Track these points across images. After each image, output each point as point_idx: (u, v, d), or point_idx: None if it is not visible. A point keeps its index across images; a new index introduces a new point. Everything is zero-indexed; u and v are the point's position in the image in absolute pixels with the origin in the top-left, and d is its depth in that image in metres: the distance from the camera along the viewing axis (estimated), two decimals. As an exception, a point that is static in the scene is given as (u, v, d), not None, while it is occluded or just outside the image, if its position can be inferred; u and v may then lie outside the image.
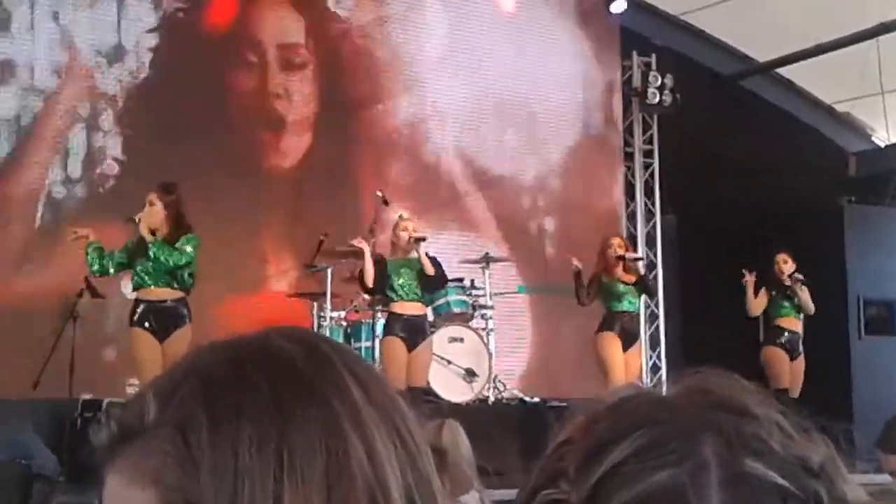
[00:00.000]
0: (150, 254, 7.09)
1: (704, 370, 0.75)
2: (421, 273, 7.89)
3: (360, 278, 7.93)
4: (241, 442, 0.75)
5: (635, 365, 8.82)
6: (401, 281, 7.86)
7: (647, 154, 12.81)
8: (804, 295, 9.21)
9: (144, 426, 0.77)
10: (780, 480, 0.68)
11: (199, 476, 0.74)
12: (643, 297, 9.53)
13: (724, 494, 0.67)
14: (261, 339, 0.83)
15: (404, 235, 7.89)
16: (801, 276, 9.21)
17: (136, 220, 7.16)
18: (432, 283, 8.06)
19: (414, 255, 7.91)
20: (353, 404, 0.79)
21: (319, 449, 0.76)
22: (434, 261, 7.99)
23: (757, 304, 9.24)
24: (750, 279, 9.21)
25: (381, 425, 0.80)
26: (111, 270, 7.29)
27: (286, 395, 0.78)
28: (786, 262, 9.24)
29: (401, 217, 8.11)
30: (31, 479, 1.60)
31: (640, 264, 8.96)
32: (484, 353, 9.08)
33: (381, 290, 7.95)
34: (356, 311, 9.11)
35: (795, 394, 8.91)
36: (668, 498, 0.67)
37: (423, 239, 8.03)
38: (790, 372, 9.07)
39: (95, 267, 7.19)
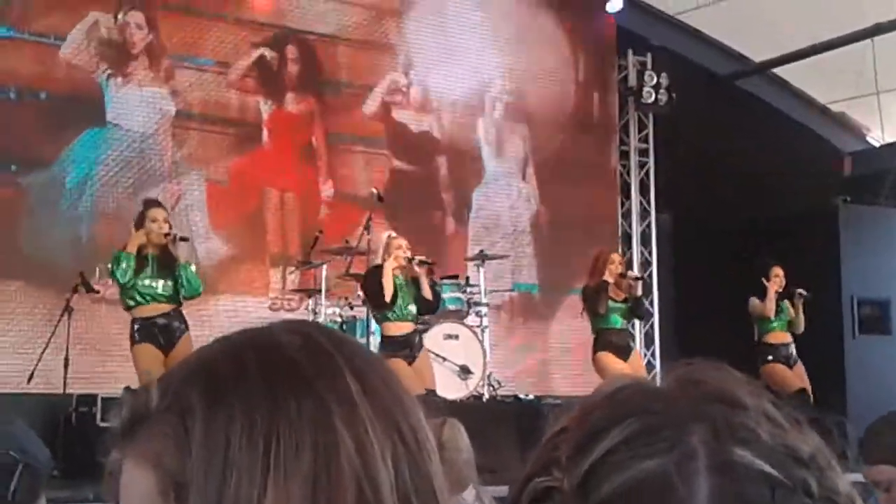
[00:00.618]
0: (183, 276, 7.08)
1: (697, 362, 0.76)
2: (418, 295, 7.90)
3: (375, 293, 7.82)
4: (233, 431, 0.76)
5: (639, 367, 8.84)
6: (400, 301, 7.86)
7: (643, 153, 12.83)
8: (800, 313, 9.20)
9: (149, 412, 0.80)
10: (768, 468, 0.68)
11: (190, 458, 0.76)
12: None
13: (711, 481, 0.68)
14: (263, 332, 0.85)
15: (400, 254, 7.86)
16: (804, 292, 9.18)
17: (185, 239, 7.25)
18: (429, 307, 8.08)
19: (416, 269, 7.90)
20: (347, 399, 0.80)
21: (309, 442, 0.77)
22: (433, 287, 8.01)
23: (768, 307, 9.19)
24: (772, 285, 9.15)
25: (377, 421, 0.80)
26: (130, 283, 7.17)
27: (280, 387, 0.79)
28: (777, 276, 9.19)
29: (390, 237, 8.08)
30: (17, 471, 1.61)
31: (639, 285, 8.79)
32: (479, 350, 9.08)
33: (396, 303, 7.88)
34: (350, 308, 9.11)
35: (809, 393, 8.91)
36: (656, 485, 0.68)
37: (432, 264, 8.04)
38: (794, 377, 9.07)
39: (125, 280, 7.03)
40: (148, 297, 7.10)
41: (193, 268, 7.34)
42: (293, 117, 10.56)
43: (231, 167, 10.17)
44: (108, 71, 9.61)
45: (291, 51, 10.55)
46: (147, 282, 7.10)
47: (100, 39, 9.59)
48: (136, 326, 7.11)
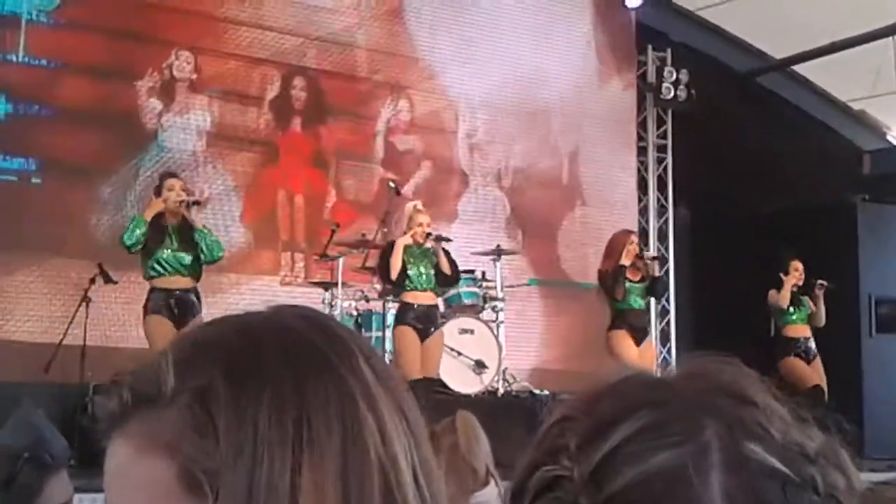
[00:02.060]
0: (202, 242, 7.12)
1: (706, 355, 0.76)
2: (437, 267, 7.87)
3: (384, 269, 7.88)
4: (260, 413, 0.76)
5: (650, 357, 8.82)
6: (415, 270, 7.84)
7: (661, 149, 12.80)
8: (821, 306, 9.17)
9: (161, 394, 0.78)
10: (780, 465, 0.69)
11: (217, 445, 0.75)
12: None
13: (725, 477, 0.68)
14: (274, 316, 0.85)
15: (420, 230, 7.86)
16: (825, 282, 9.15)
17: (197, 202, 7.30)
18: (447, 281, 8.05)
19: (429, 245, 7.89)
20: (365, 382, 0.81)
21: (336, 421, 0.78)
22: (451, 260, 7.98)
23: (783, 297, 9.18)
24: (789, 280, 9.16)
25: (390, 405, 0.81)
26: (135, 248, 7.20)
27: (303, 369, 0.79)
28: (797, 269, 9.17)
29: (416, 209, 8.06)
30: (18, 461, 1.60)
31: (656, 264, 8.86)
32: (494, 345, 9.08)
33: (402, 283, 7.93)
34: (367, 301, 9.12)
35: (824, 389, 8.90)
36: (670, 478, 0.68)
37: (448, 240, 8.02)
38: (812, 373, 9.05)
39: (131, 242, 7.10)
40: (169, 269, 7.15)
41: (211, 234, 7.36)
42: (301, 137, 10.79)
43: (253, 175, 10.42)
44: (162, 100, 10.07)
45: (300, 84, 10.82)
46: (168, 253, 7.14)
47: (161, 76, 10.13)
48: (151, 295, 7.16)
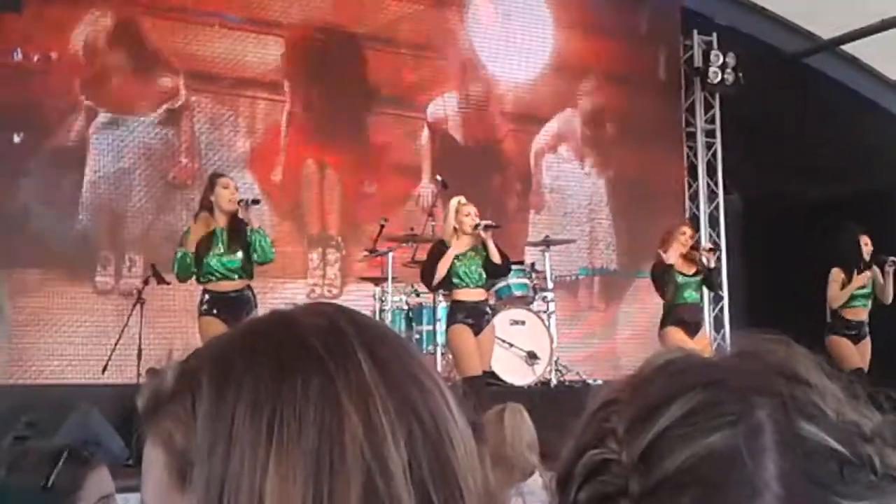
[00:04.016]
0: (255, 241, 7.13)
1: (757, 334, 0.75)
2: (486, 260, 7.85)
3: (429, 271, 7.83)
4: (238, 409, 0.76)
5: (704, 348, 8.72)
6: (465, 268, 7.82)
7: (710, 134, 12.70)
8: (889, 281, 9.02)
9: (167, 393, 0.81)
10: (836, 445, 0.68)
11: (196, 438, 0.77)
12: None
13: (780, 458, 0.67)
14: (282, 314, 0.85)
15: (468, 221, 7.84)
16: None
17: (256, 201, 7.33)
18: (498, 271, 8.01)
19: (478, 240, 7.85)
20: (359, 381, 0.79)
21: (312, 419, 0.76)
22: (500, 249, 7.94)
23: (841, 296, 9.03)
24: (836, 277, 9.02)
25: (391, 402, 0.78)
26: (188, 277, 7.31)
27: (288, 366, 0.78)
28: (867, 244, 9.03)
29: (461, 202, 8.04)
30: (58, 458, 1.62)
31: (712, 256, 8.71)
32: (545, 335, 9.06)
33: (443, 286, 7.91)
34: (417, 295, 9.13)
35: (864, 371, 8.76)
36: (723, 460, 0.67)
37: (497, 227, 7.98)
38: (857, 353, 8.92)
39: (184, 275, 7.21)
40: (218, 274, 7.18)
41: (265, 234, 7.36)
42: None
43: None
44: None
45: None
46: (217, 259, 7.16)
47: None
48: (205, 297, 7.21)
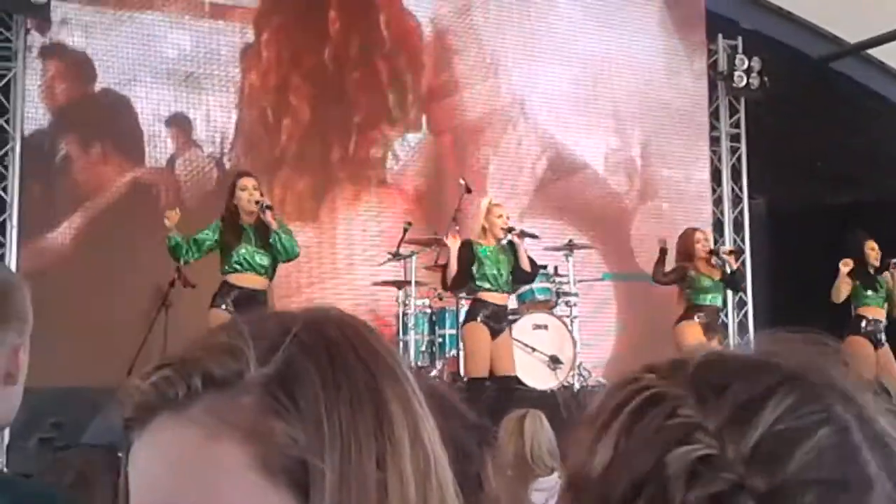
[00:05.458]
0: (278, 242, 7.11)
1: (783, 331, 0.75)
2: (516, 265, 7.83)
3: (444, 274, 7.85)
4: (342, 403, 0.78)
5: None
6: (494, 271, 7.76)
7: (734, 138, 12.63)
8: None
9: (239, 379, 0.77)
10: None
11: (304, 432, 0.76)
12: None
13: (873, 454, 0.68)
14: (333, 317, 0.85)
15: (499, 222, 7.81)
16: None
17: (268, 206, 7.21)
18: (525, 277, 7.99)
19: (505, 242, 7.83)
20: (414, 390, 0.84)
21: (403, 419, 0.81)
22: (529, 256, 7.92)
23: (841, 291, 9.05)
24: (844, 267, 9.03)
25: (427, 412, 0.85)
26: (195, 257, 7.29)
27: (372, 367, 0.82)
28: (873, 249, 9.04)
29: (492, 202, 8.02)
30: (90, 463, 1.65)
31: (733, 258, 8.77)
32: (568, 340, 9.04)
33: (460, 287, 7.88)
34: (440, 299, 9.13)
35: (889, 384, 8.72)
36: (834, 457, 0.67)
37: (534, 236, 7.95)
38: (877, 361, 8.89)
39: (180, 261, 7.26)
40: (246, 265, 7.18)
41: (289, 229, 7.36)
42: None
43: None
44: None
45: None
46: (247, 251, 7.16)
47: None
48: (220, 290, 7.19)
